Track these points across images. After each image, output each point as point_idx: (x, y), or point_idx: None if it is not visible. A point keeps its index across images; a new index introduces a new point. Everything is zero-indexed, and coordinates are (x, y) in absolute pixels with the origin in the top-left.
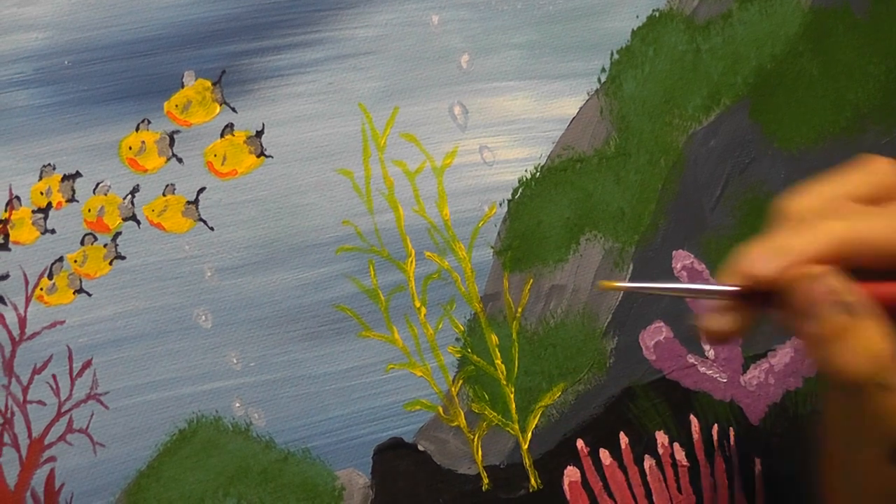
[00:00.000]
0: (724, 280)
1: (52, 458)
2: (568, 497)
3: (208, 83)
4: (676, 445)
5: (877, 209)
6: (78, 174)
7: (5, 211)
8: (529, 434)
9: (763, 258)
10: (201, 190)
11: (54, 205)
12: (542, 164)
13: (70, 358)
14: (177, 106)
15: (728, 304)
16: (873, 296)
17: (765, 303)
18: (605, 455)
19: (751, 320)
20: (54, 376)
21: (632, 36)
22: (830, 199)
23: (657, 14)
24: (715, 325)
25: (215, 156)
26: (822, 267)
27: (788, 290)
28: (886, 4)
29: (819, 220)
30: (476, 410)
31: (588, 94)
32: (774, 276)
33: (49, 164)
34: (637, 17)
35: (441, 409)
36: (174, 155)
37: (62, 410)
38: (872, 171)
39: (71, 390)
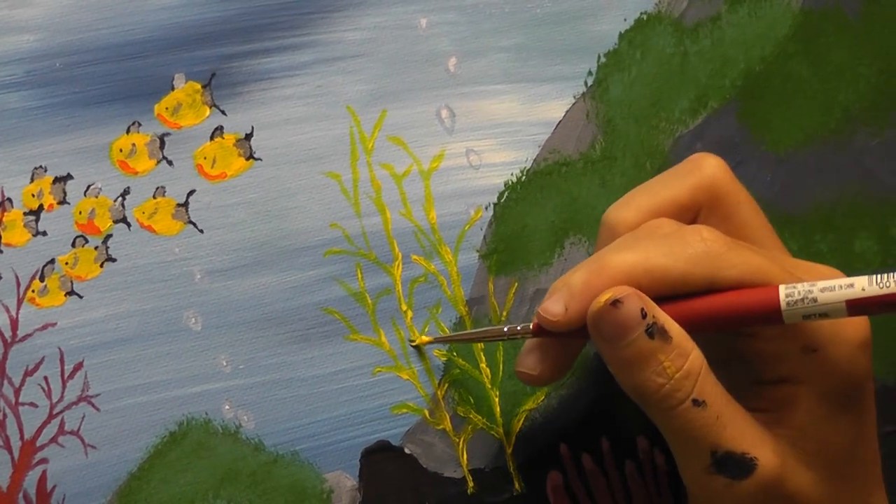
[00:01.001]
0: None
1: (44, 460)
2: (551, 501)
3: (198, 86)
4: (657, 450)
5: (671, 235)
6: (69, 176)
7: None
8: (513, 438)
9: (552, 298)
10: (191, 192)
11: (46, 207)
12: (527, 167)
13: (62, 360)
14: (167, 108)
15: (540, 342)
16: (675, 315)
17: (573, 337)
18: (587, 459)
19: (563, 357)
20: (46, 378)
21: (619, 39)
22: (649, 211)
23: (645, 17)
24: (523, 368)
25: (205, 158)
26: (625, 289)
27: (591, 320)
28: (878, 5)
29: (610, 252)
30: (461, 414)
31: (574, 97)
32: (563, 316)
33: (40, 167)
34: (625, 20)
35: (427, 413)
36: (164, 157)
37: (54, 412)
38: (698, 174)
39: (62, 392)
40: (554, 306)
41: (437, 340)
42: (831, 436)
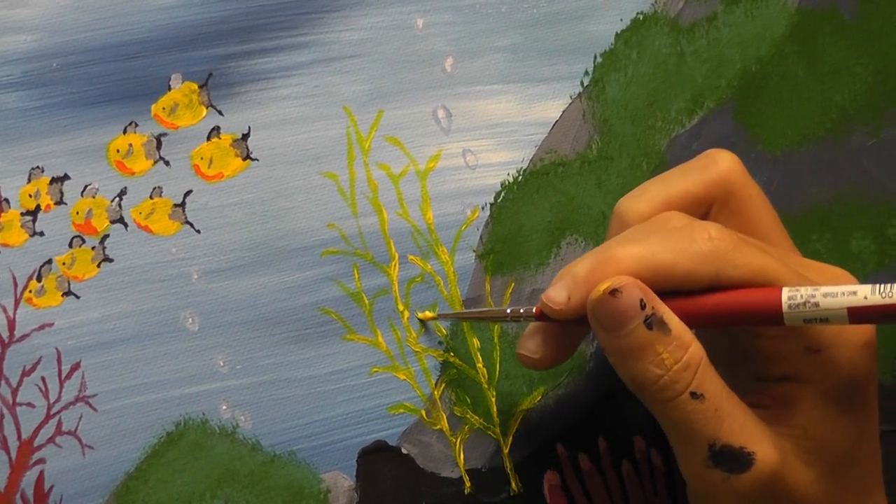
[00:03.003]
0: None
1: (41, 461)
2: (548, 500)
3: (195, 86)
4: (653, 451)
5: (680, 230)
6: (66, 177)
7: None
8: (510, 438)
9: (556, 286)
10: (188, 193)
11: (43, 207)
12: (524, 167)
13: (59, 360)
14: (164, 109)
15: (543, 327)
16: (677, 310)
17: (574, 325)
18: (583, 459)
19: (564, 343)
20: (43, 378)
21: (615, 39)
22: (662, 203)
23: (641, 17)
24: (525, 350)
25: (202, 158)
26: (624, 279)
27: (591, 309)
28: (874, 5)
29: (617, 244)
30: (458, 414)
31: (571, 97)
32: (566, 305)
33: (38, 167)
34: (621, 20)
35: (424, 413)
36: (161, 158)
37: (51, 413)
38: (713, 169)
39: (60, 392)
40: (557, 294)
41: (441, 317)
42: (832, 435)
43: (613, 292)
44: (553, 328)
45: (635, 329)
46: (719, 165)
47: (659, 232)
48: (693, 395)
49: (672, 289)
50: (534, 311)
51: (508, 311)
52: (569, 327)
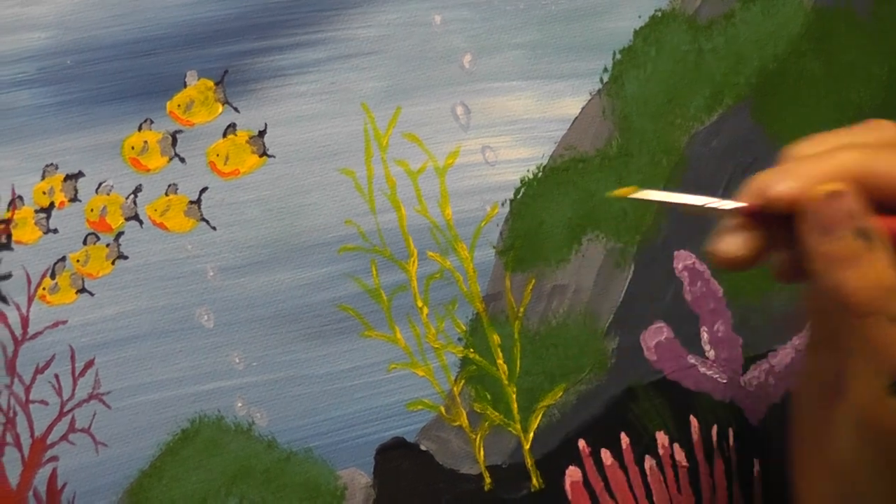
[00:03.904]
0: (738, 200)
1: (54, 458)
2: (570, 497)
3: (211, 83)
4: (676, 446)
5: (888, 147)
6: (80, 174)
7: (8, 210)
8: (531, 434)
9: (778, 178)
10: (204, 190)
11: (57, 204)
12: (544, 164)
13: (72, 357)
14: (179, 106)
15: (741, 224)
16: (887, 229)
17: (779, 224)
18: (606, 455)
19: (763, 245)
20: (57, 376)
21: (634, 36)
22: (835, 147)
23: (659, 14)
24: (726, 248)
25: (218, 155)
26: (844, 185)
27: (805, 209)
28: (889, 4)
29: (840, 151)
30: (478, 410)
31: (590, 94)
32: (789, 196)
33: (52, 164)
34: (640, 17)
35: (443, 409)
36: (176, 155)
37: (64, 410)
38: (876, 130)
39: (73, 390)
40: (781, 185)
41: (641, 196)
42: None
43: (833, 194)
44: (754, 226)
45: (846, 237)
46: (887, 130)
47: (874, 146)
48: (894, 318)
49: (887, 201)
50: (744, 203)
51: (714, 203)
52: (771, 226)
